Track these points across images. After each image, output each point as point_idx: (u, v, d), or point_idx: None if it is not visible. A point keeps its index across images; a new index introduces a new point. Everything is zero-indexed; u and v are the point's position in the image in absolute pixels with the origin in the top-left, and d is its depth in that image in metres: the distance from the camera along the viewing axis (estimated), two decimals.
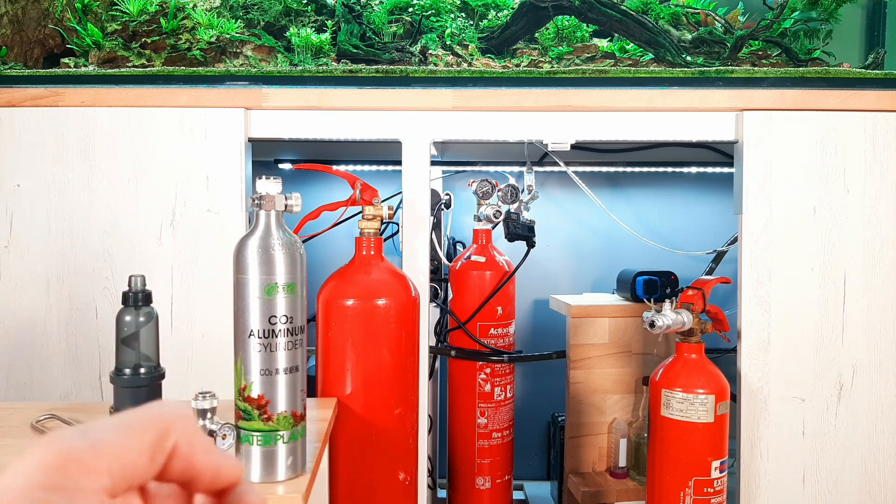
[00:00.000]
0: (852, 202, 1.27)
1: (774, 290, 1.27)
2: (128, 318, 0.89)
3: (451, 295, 1.59)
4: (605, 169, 1.84)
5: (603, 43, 1.47)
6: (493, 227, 1.59)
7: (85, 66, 1.37)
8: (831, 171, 1.27)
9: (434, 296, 1.62)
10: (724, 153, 1.59)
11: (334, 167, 1.35)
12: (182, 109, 1.27)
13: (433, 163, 1.51)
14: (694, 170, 1.88)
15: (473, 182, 1.56)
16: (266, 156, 1.83)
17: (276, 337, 0.80)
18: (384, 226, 1.22)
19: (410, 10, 1.50)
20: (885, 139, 1.26)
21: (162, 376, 0.90)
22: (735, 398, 1.29)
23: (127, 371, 0.88)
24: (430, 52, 1.43)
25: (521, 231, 1.50)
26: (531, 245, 1.52)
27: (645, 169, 1.88)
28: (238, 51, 1.40)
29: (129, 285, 0.89)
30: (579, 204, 1.94)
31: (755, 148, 1.27)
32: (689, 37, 1.45)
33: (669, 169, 1.86)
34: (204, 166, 1.26)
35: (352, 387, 1.10)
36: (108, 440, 0.26)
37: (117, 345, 0.89)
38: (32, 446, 0.25)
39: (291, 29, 1.43)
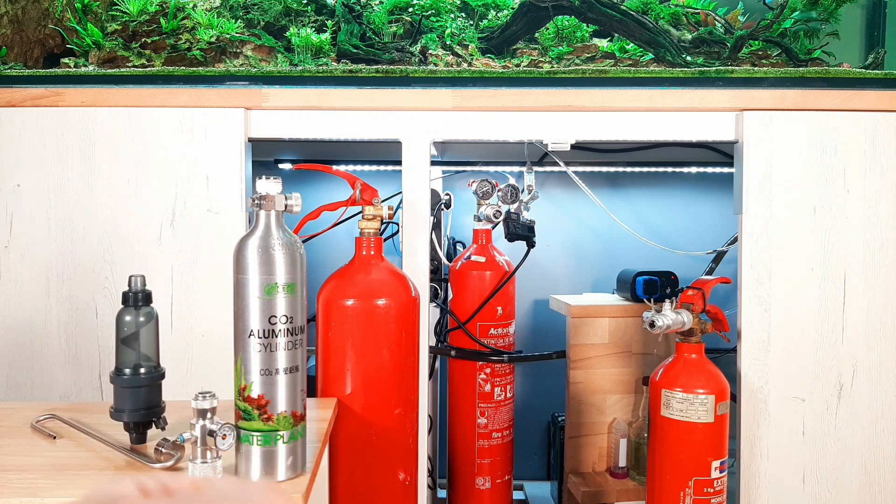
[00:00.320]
0: (852, 202, 1.27)
1: (774, 290, 1.27)
2: (128, 318, 0.89)
3: (451, 295, 1.59)
4: (605, 169, 1.84)
5: (603, 43, 1.47)
6: (493, 227, 1.59)
7: (85, 66, 1.37)
8: (831, 171, 1.27)
9: (434, 296, 1.62)
10: (724, 153, 1.59)
11: (334, 167, 1.35)
12: (182, 109, 1.27)
13: (433, 163, 1.51)
14: (694, 170, 1.88)
15: (473, 182, 1.56)
16: (266, 156, 1.83)
17: (276, 337, 0.79)
18: (384, 226, 1.22)
19: (410, 10, 1.50)
20: (885, 139, 1.26)
21: (162, 376, 0.90)
22: (735, 398, 1.29)
23: (127, 371, 0.88)
24: (430, 52, 1.43)
25: (521, 231, 1.50)
26: (531, 245, 1.52)
27: (645, 169, 1.88)
28: (238, 51, 1.40)
29: (129, 285, 0.89)
30: (579, 204, 1.94)
31: (755, 148, 1.27)
32: (689, 37, 1.45)
33: (669, 169, 1.86)
34: (204, 166, 1.26)
35: (352, 387, 1.10)
36: None
37: (117, 345, 0.89)
38: None
39: (291, 29, 1.43)
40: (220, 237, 1.26)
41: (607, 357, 1.65)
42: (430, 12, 1.50)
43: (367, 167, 1.86)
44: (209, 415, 0.80)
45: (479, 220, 1.57)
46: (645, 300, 1.59)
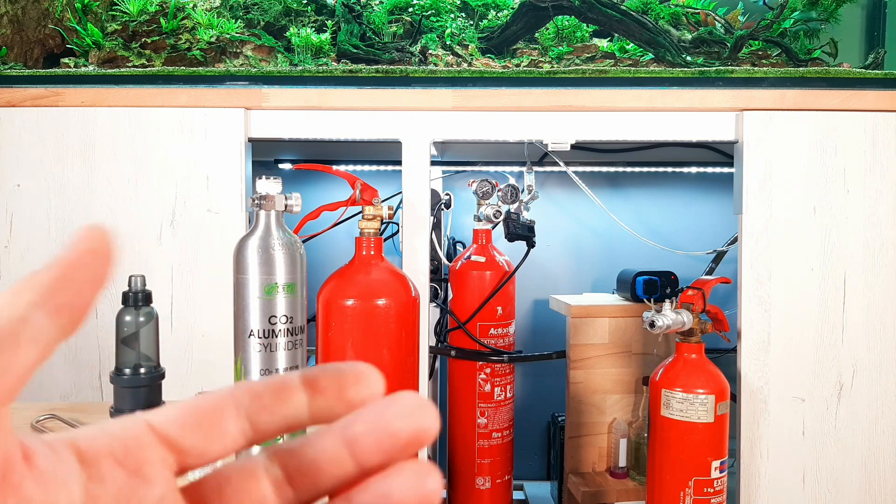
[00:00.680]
0: (852, 202, 1.27)
1: (774, 290, 1.27)
2: (128, 318, 0.89)
3: (451, 295, 1.59)
4: (605, 169, 1.84)
5: (603, 43, 1.47)
6: (493, 227, 1.59)
7: (85, 66, 1.37)
8: (831, 171, 1.27)
9: (434, 296, 1.62)
10: (724, 153, 1.59)
11: (334, 167, 1.35)
12: (182, 109, 1.27)
13: (433, 163, 1.51)
14: (694, 170, 1.88)
15: (473, 182, 1.56)
16: (266, 156, 1.83)
17: (276, 337, 0.80)
18: (384, 226, 1.22)
19: (410, 10, 1.50)
20: (885, 139, 1.26)
21: (162, 376, 0.90)
22: (735, 398, 1.29)
23: (127, 371, 0.88)
24: (430, 52, 1.43)
25: (521, 231, 1.50)
26: (531, 245, 1.52)
27: (645, 169, 1.88)
28: (238, 51, 1.40)
29: (129, 285, 0.89)
30: (579, 204, 1.94)
31: (755, 148, 1.27)
32: (689, 37, 1.45)
33: (669, 169, 1.86)
34: (204, 166, 1.26)
35: None
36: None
37: (117, 345, 0.89)
38: None
39: (291, 29, 1.43)
40: (220, 237, 1.26)
41: (607, 357, 1.65)
42: (430, 12, 1.50)
43: (367, 167, 1.86)
44: None
45: (479, 220, 1.57)
46: (645, 300, 1.59)
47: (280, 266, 0.79)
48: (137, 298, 0.89)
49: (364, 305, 1.10)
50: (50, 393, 1.27)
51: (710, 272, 1.70)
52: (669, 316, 1.26)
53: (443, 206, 1.64)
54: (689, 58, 1.40)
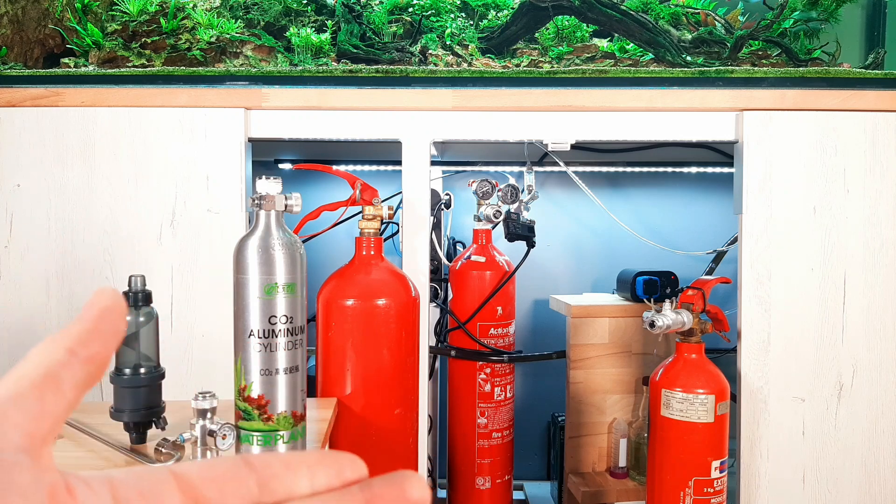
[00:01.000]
0: (852, 202, 1.27)
1: (774, 290, 1.27)
2: (128, 318, 0.89)
3: (451, 295, 1.59)
4: (605, 169, 1.84)
5: (603, 43, 1.47)
6: (493, 227, 1.59)
7: (85, 66, 1.37)
8: (831, 171, 1.27)
9: (434, 296, 1.62)
10: (724, 153, 1.59)
11: (334, 167, 1.35)
12: (182, 109, 1.27)
13: (433, 163, 1.51)
14: (694, 170, 1.88)
15: (473, 182, 1.56)
16: (266, 156, 1.83)
17: (276, 337, 0.80)
18: (384, 226, 1.22)
19: (410, 10, 1.50)
20: (885, 139, 1.26)
21: (162, 376, 0.90)
22: (735, 398, 1.29)
23: (127, 371, 0.88)
24: (430, 52, 1.43)
25: (521, 231, 1.51)
26: (531, 245, 1.52)
27: (645, 169, 1.88)
28: (238, 51, 1.40)
29: (129, 285, 0.89)
30: (579, 204, 1.94)
31: (755, 148, 1.27)
32: (689, 37, 1.45)
33: (669, 169, 1.86)
34: (204, 166, 1.26)
35: (352, 387, 1.10)
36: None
37: None
38: None
39: (291, 29, 1.43)
40: (220, 237, 1.26)
41: (607, 357, 1.65)
42: (430, 12, 1.50)
43: (367, 167, 1.86)
44: (209, 415, 0.80)
45: (479, 220, 1.57)
46: (645, 300, 1.59)
47: (280, 266, 0.79)
48: (137, 298, 0.89)
49: (364, 305, 1.10)
50: None
51: (710, 272, 1.70)
52: (669, 316, 1.26)
53: (443, 206, 1.64)
54: (689, 58, 1.40)
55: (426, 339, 1.29)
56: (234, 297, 0.81)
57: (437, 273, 1.65)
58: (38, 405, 0.23)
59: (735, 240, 1.48)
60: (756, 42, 1.42)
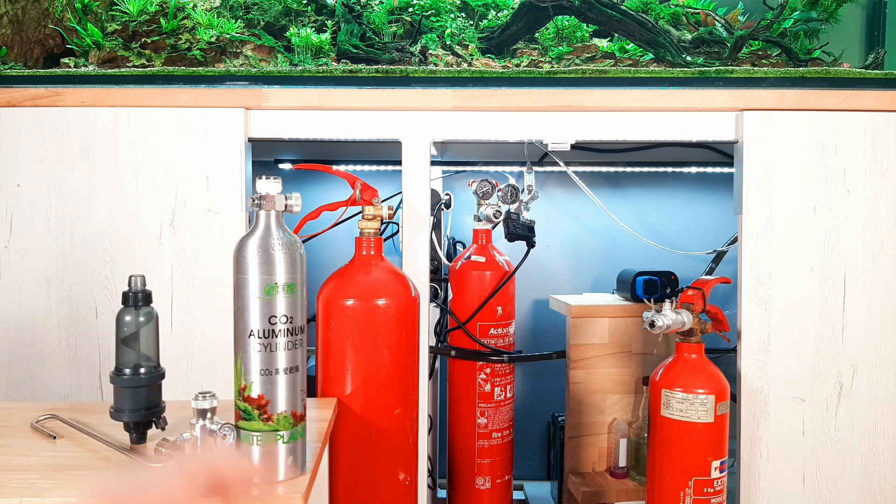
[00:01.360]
0: (852, 202, 1.27)
1: (774, 290, 1.27)
2: (128, 318, 0.89)
3: (451, 295, 1.59)
4: (605, 169, 1.84)
5: (603, 43, 1.47)
6: (493, 227, 1.59)
7: (85, 66, 1.37)
8: (831, 171, 1.27)
9: (434, 296, 1.62)
10: (724, 153, 1.59)
11: (334, 167, 1.35)
12: (182, 109, 1.27)
13: (433, 163, 1.51)
14: (694, 170, 1.88)
15: (473, 182, 1.56)
16: (266, 156, 1.83)
17: (276, 337, 0.80)
18: (384, 226, 1.22)
19: (410, 10, 1.50)
20: (885, 139, 1.26)
21: (162, 376, 0.90)
22: (735, 398, 1.29)
23: (127, 371, 0.88)
24: (430, 52, 1.43)
25: (521, 231, 1.50)
26: (531, 245, 1.52)
27: (645, 169, 1.88)
28: (238, 51, 1.40)
29: (129, 285, 0.89)
30: (579, 204, 1.94)
31: (755, 148, 1.27)
32: (689, 37, 1.45)
33: (669, 169, 1.86)
34: (204, 166, 1.26)
35: (352, 387, 1.10)
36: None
37: (117, 345, 0.89)
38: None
39: (291, 29, 1.43)
40: (220, 237, 1.26)
41: (607, 357, 1.65)
42: (430, 12, 1.50)
43: (367, 167, 1.86)
44: (209, 415, 0.80)
45: (479, 220, 1.57)
46: (645, 300, 1.59)
47: (280, 266, 0.79)
48: (137, 298, 0.89)
49: (364, 305, 1.10)
50: (50, 393, 1.27)
51: (710, 272, 1.70)
52: (669, 316, 1.26)
53: (443, 206, 1.64)
54: (689, 58, 1.40)
55: (426, 339, 1.29)
56: (234, 297, 0.81)
57: (437, 273, 1.65)
58: None
59: (735, 240, 1.48)
60: (756, 42, 1.42)
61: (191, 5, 1.41)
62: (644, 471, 1.58)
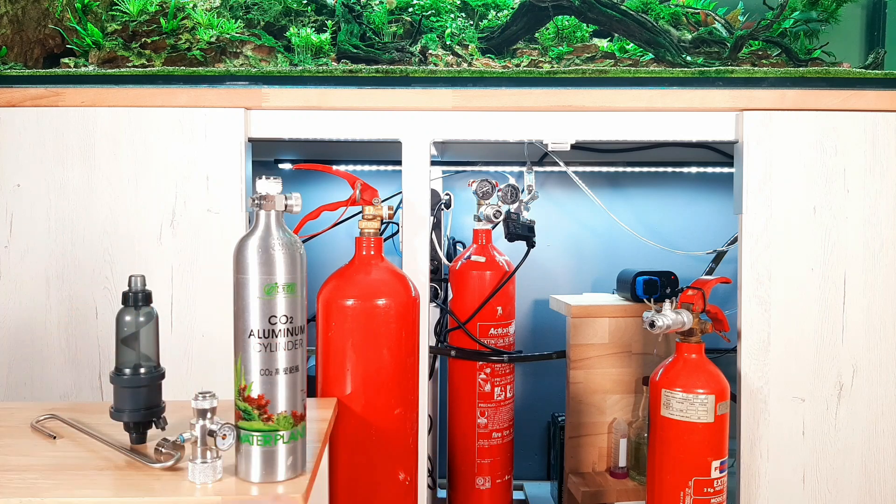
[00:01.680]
0: (852, 202, 1.27)
1: (774, 290, 1.27)
2: (128, 318, 0.89)
3: (451, 295, 1.59)
4: (605, 169, 1.84)
5: (603, 43, 1.47)
6: (493, 227, 1.59)
7: (85, 66, 1.37)
8: (831, 171, 1.27)
9: (434, 296, 1.62)
10: (724, 153, 1.59)
11: (334, 167, 1.35)
12: (182, 109, 1.27)
13: (433, 163, 1.51)
14: (694, 170, 1.88)
15: (473, 182, 1.56)
16: (266, 156, 1.83)
17: (276, 337, 0.80)
18: (384, 226, 1.22)
19: (410, 10, 1.50)
20: (885, 139, 1.26)
21: (162, 376, 0.90)
22: (735, 398, 1.29)
23: (127, 371, 0.88)
24: (430, 52, 1.43)
25: (521, 231, 1.51)
26: (531, 245, 1.52)
27: (645, 169, 1.88)
28: (238, 51, 1.40)
29: (129, 285, 0.89)
30: (579, 204, 1.94)
31: (755, 148, 1.27)
32: (689, 37, 1.45)
33: (669, 169, 1.86)
34: (204, 166, 1.26)
35: (352, 387, 1.10)
36: None
37: (117, 345, 0.89)
38: None
39: (291, 29, 1.43)
40: (220, 237, 1.26)
41: (607, 357, 1.65)
42: (430, 12, 1.50)
43: (367, 167, 1.86)
44: (209, 415, 0.80)
45: (479, 220, 1.57)
46: (645, 300, 1.59)
47: (280, 266, 0.79)
48: (137, 298, 0.89)
49: (364, 305, 1.10)
50: (50, 393, 1.27)
51: (710, 272, 1.70)
52: (669, 316, 1.26)
53: (443, 206, 1.64)
54: (689, 58, 1.40)
55: (426, 339, 1.29)
56: (234, 297, 0.81)
57: (437, 273, 1.65)
58: None
59: (735, 240, 1.48)
60: (756, 42, 1.42)
61: (191, 5, 1.41)
62: (644, 471, 1.58)
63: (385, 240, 1.19)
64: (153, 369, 0.90)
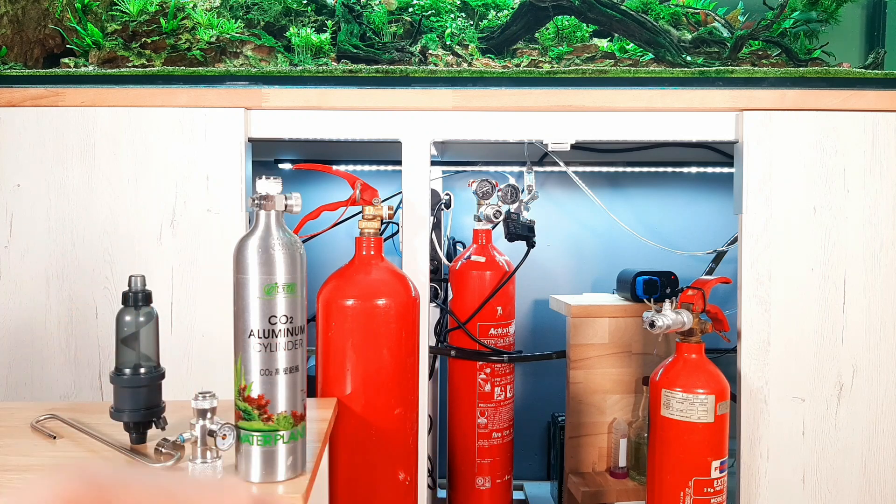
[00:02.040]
0: (852, 202, 1.27)
1: (774, 290, 1.27)
2: (128, 318, 0.89)
3: (451, 295, 1.59)
4: (605, 169, 1.84)
5: (603, 43, 1.47)
6: (493, 227, 1.59)
7: (85, 66, 1.37)
8: (831, 171, 1.27)
9: (434, 296, 1.62)
10: (724, 153, 1.59)
11: (334, 167, 1.35)
12: (182, 109, 1.27)
13: (433, 163, 1.51)
14: (694, 170, 1.88)
15: (473, 182, 1.56)
16: (266, 156, 1.83)
17: (276, 337, 0.80)
18: (384, 226, 1.22)
19: (410, 10, 1.50)
20: (885, 139, 1.26)
21: (162, 376, 0.90)
22: (735, 398, 1.29)
23: (127, 371, 0.88)
24: (430, 52, 1.43)
25: (521, 231, 1.50)
26: (531, 245, 1.52)
27: (645, 169, 1.88)
28: (238, 51, 1.40)
29: (129, 285, 0.89)
30: (579, 204, 1.94)
31: (755, 148, 1.27)
32: (689, 37, 1.45)
33: (669, 169, 1.86)
34: (204, 166, 1.26)
35: (352, 387, 1.10)
36: None
37: (117, 345, 0.89)
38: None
39: (291, 29, 1.43)
40: (220, 237, 1.26)
41: (607, 357, 1.65)
42: (430, 12, 1.50)
43: (367, 167, 1.86)
44: (209, 415, 0.80)
45: (479, 220, 1.57)
46: (645, 300, 1.59)
47: (280, 266, 0.79)
48: (137, 298, 0.89)
49: (364, 305, 1.10)
50: (50, 393, 1.27)
51: (710, 272, 1.70)
52: (669, 316, 1.26)
53: (443, 206, 1.64)
54: (689, 58, 1.40)
55: (426, 339, 1.29)
56: (234, 297, 0.81)
57: (437, 273, 1.65)
58: None
59: (735, 240, 1.48)
60: (756, 42, 1.42)
61: (191, 5, 1.41)
62: (644, 471, 1.58)
63: (385, 240, 1.19)
64: (153, 369, 0.90)
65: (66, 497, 0.21)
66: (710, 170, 1.86)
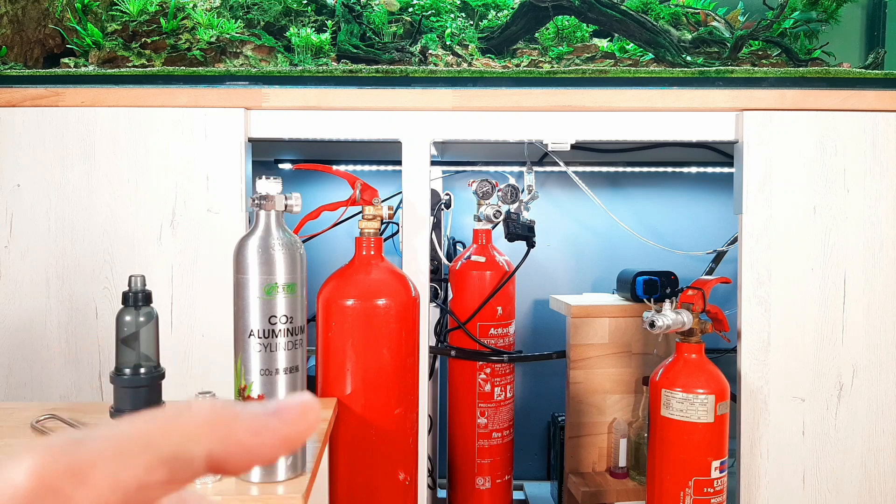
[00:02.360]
0: (852, 202, 1.27)
1: (774, 290, 1.27)
2: (128, 318, 0.89)
3: (451, 295, 1.59)
4: (605, 169, 1.84)
5: (603, 43, 1.47)
6: (493, 227, 1.59)
7: (85, 66, 1.37)
8: (831, 171, 1.27)
9: (434, 296, 1.62)
10: (724, 153, 1.59)
11: (334, 167, 1.35)
12: (182, 109, 1.27)
13: (433, 163, 1.51)
14: (694, 170, 1.88)
15: (473, 182, 1.56)
16: (266, 156, 1.83)
17: (276, 337, 0.80)
18: (384, 226, 1.22)
19: (410, 10, 1.50)
20: (885, 139, 1.26)
21: (162, 376, 0.90)
22: (735, 398, 1.29)
23: (127, 371, 0.88)
24: (430, 52, 1.43)
25: (521, 231, 1.50)
26: (531, 245, 1.52)
27: (645, 169, 1.88)
28: (238, 51, 1.40)
29: (129, 285, 0.89)
30: (579, 204, 1.94)
31: (755, 148, 1.27)
32: (689, 37, 1.45)
33: (669, 169, 1.86)
34: (204, 166, 1.26)
35: (352, 387, 1.10)
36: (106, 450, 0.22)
37: (117, 345, 0.89)
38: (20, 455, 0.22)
39: (291, 29, 1.43)
40: (220, 237, 1.26)
41: (607, 357, 1.65)
42: (430, 12, 1.50)
43: (367, 167, 1.86)
44: None
45: (479, 220, 1.57)
46: (645, 300, 1.59)
47: (280, 266, 0.79)
48: (137, 298, 0.89)
49: (364, 305, 1.10)
50: (50, 393, 1.27)
51: (710, 272, 1.70)
52: (669, 316, 1.26)
53: (443, 206, 1.64)
54: (689, 58, 1.40)
55: (426, 339, 1.29)
56: (234, 297, 0.81)
57: (437, 273, 1.65)
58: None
59: (735, 240, 1.48)
60: (756, 42, 1.42)
61: (191, 5, 1.41)
62: (644, 471, 1.58)
63: (385, 240, 1.19)
64: (153, 369, 0.90)
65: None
66: (710, 170, 1.86)
